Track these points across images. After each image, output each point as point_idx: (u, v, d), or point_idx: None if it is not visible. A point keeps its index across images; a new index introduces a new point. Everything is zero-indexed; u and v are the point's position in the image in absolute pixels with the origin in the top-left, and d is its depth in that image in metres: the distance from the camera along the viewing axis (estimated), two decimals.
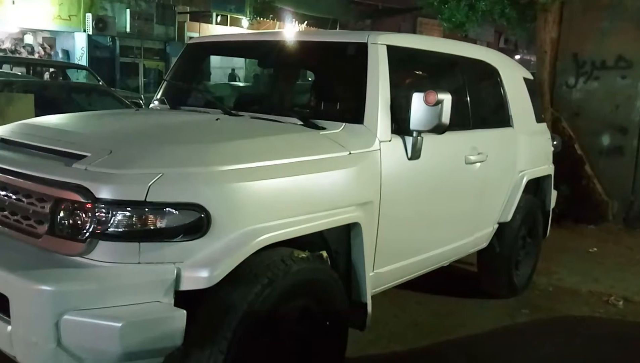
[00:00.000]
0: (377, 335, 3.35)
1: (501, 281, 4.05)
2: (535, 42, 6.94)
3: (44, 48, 17.70)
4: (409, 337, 3.45)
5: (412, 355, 3.25)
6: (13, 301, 1.88)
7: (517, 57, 21.81)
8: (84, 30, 17.65)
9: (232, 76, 18.38)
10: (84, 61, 17.32)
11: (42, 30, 17.73)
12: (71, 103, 6.12)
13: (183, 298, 1.96)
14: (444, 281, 4.19)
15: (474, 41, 15.76)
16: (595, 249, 5.56)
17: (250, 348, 2.09)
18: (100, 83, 10.47)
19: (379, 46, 2.85)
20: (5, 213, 2.16)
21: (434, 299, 4.03)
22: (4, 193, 2.17)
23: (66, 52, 18.06)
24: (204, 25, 21.56)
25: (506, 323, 3.79)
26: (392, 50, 2.88)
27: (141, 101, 10.17)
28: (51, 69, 12.96)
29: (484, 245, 3.82)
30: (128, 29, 18.80)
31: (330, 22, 23.21)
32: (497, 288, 4.09)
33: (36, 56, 16.84)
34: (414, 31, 22.18)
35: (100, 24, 17.58)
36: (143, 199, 1.92)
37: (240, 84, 15.88)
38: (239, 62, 17.79)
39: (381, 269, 2.82)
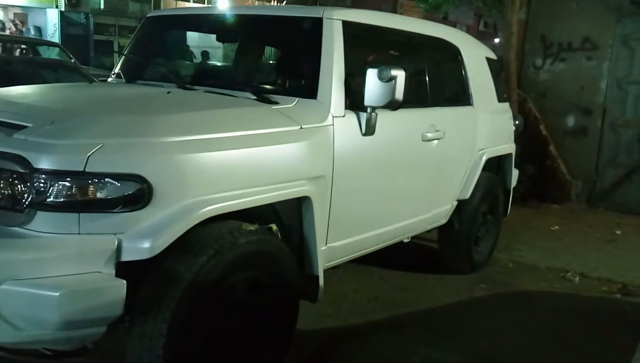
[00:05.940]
0: (336, 309, 3.40)
1: (461, 256, 4.13)
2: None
3: (15, 24, 17.26)
4: (368, 310, 3.50)
5: (370, 327, 3.29)
6: None
7: (497, 40, 21.78)
8: (56, 7, 17.24)
9: (204, 55, 18.01)
10: (56, 38, 16.92)
11: (13, 6, 17.27)
12: (38, 79, 5.96)
13: (130, 268, 1.97)
14: (407, 257, 4.26)
15: (453, 24, 15.73)
16: (557, 227, 5.69)
17: (195, 319, 2.11)
18: (72, 60, 10.23)
19: (334, 21, 2.84)
20: None
21: (396, 274, 4.09)
22: None
23: (38, 29, 17.61)
24: (180, 3, 21.16)
25: (464, 297, 3.87)
26: (347, 25, 2.87)
27: None
28: (22, 46, 12.63)
29: (444, 221, 3.88)
30: (102, 6, 18.44)
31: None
32: (457, 263, 4.17)
33: (7, 32, 16.41)
34: (394, 12, 22.05)
35: (73, 0, 17.19)
36: (82, 169, 1.91)
37: (216, 63, 15.50)
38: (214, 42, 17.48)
39: (334, 243, 2.85)
